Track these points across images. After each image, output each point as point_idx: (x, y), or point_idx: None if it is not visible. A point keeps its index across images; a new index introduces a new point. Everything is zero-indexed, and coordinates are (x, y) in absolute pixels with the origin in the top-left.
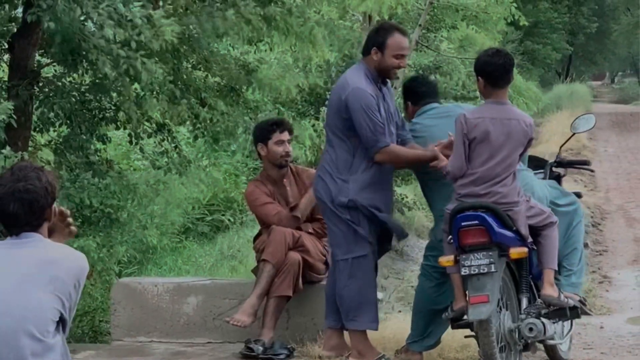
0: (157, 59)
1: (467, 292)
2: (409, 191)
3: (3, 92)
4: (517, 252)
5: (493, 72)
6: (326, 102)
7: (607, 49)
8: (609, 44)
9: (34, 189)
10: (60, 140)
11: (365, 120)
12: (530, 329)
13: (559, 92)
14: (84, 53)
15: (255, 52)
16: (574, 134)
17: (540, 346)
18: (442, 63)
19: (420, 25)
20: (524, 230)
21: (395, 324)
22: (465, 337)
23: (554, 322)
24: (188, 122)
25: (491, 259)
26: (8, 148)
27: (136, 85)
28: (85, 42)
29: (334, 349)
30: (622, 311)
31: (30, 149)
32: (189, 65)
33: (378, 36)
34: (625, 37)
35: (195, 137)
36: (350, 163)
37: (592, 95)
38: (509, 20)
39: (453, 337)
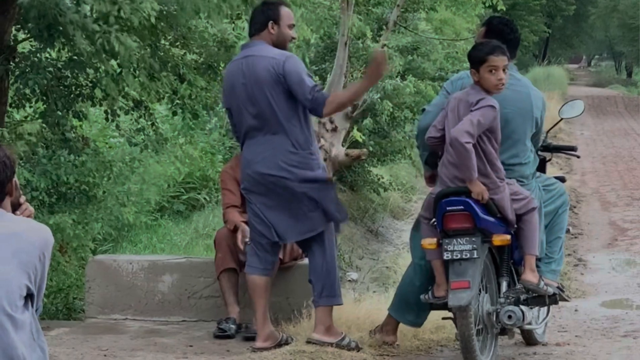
0: (135, 36)
1: (448, 277)
2: (384, 172)
3: None
4: (500, 239)
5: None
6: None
7: (584, 32)
8: (586, 27)
9: None
10: (36, 116)
11: (306, 80)
12: (510, 317)
13: (536, 74)
14: (60, 28)
15: (233, 29)
16: (561, 119)
17: (516, 329)
18: (420, 44)
19: (398, 5)
20: (511, 216)
21: (369, 304)
22: (443, 318)
23: (531, 308)
24: (166, 99)
25: (474, 245)
26: None
27: (113, 62)
28: (61, 17)
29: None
30: (596, 294)
31: (7, 124)
32: (167, 43)
33: (270, 10)
34: (603, 21)
35: (174, 113)
36: (306, 136)
37: (568, 78)
38: (487, 4)
39: (428, 319)
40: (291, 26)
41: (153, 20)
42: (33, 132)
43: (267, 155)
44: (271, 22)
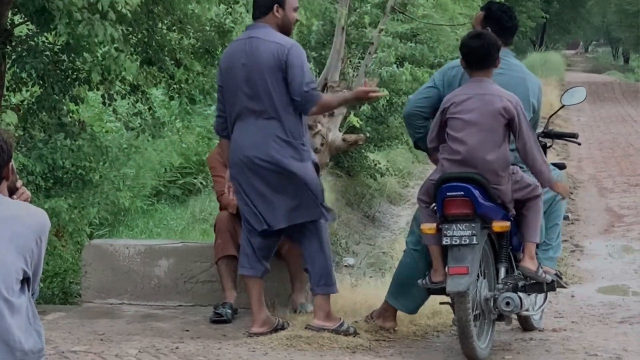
0: (131, 19)
1: (446, 262)
2: (381, 157)
3: None
4: (500, 225)
5: (470, 55)
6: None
7: (582, 17)
8: (583, 13)
9: None
10: (33, 100)
11: (306, 74)
12: (507, 303)
13: (533, 60)
14: (50, 14)
15: (230, 14)
16: (563, 105)
17: (513, 315)
18: (420, 31)
19: None
20: (510, 205)
21: (366, 289)
22: (441, 303)
23: (529, 295)
24: (163, 83)
25: (473, 231)
26: None
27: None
28: (49, 3)
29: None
30: (593, 280)
31: (4, 108)
32: (164, 27)
33: None
34: (600, 6)
35: (171, 98)
36: (299, 126)
37: (565, 64)
38: None
39: (425, 304)
40: (296, 9)
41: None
42: (12, 122)
43: (259, 140)
44: (276, 5)
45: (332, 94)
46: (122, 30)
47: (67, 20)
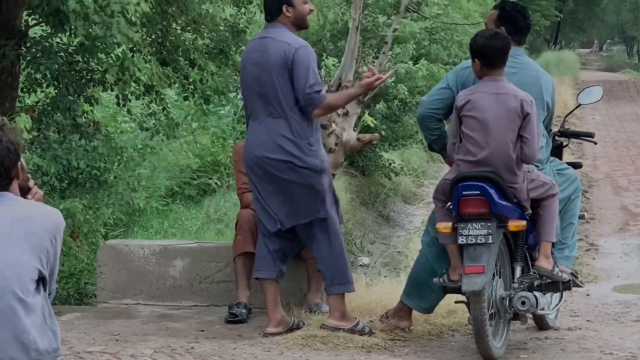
0: (145, 20)
1: (462, 261)
2: (396, 157)
3: None
4: (515, 224)
5: (492, 55)
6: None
7: (596, 16)
8: (597, 12)
9: None
10: (48, 101)
11: (310, 76)
12: (523, 302)
13: (547, 59)
14: (65, 15)
15: (244, 14)
16: (579, 104)
17: (529, 314)
18: (435, 30)
19: None
20: (526, 204)
21: (381, 289)
22: (456, 302)
23: (545, 294)
24: (177, 84)
25: (489, 230)
26: None
27: (123, 47)
28: (64, 5)
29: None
30: (608, 279)
31: (18, 109)
32: (178, 27)
33: None
34: (615, 5)
35: (185, 98)
36: (306, 126)
37: (580, 63)
38: None
39: (440, 304)
40: (306, 1)
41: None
42: (26, 126)
43: (266, 138)
44: (285, 5)
45: (337, 93)
46: (139, 30)
47: (83, 22)
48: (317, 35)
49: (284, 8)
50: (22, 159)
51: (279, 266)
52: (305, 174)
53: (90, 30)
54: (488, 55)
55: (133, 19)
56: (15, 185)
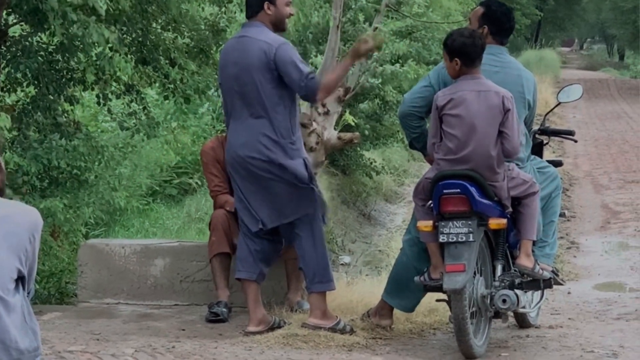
0: (125, 19)
1: (443, 260)
2: (377, 155)
3: None
4: (496, 222)
5: (473, 54)
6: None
7: (577, 15)
8: (578, 10)
9: None
10: (28, 100)
11: (298, 68)
12: (504, 301)
13: (528, 57)
14: (44, 14)
15: (225, 13)
16: (559, 103)
17: (510, 312)
18: (415, 29)
19: None
20: (507, 202)
21: (362, 287)
22: (437, 300)
23: (526, 292)
24: (157, 83)
25: (470, 228)
26: None
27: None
28: (42, 4)
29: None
30: (589, 277)
31: None
32: (158, 27)
33: None
34: (595, 4)
35: (166, 97)
36: (288, 126)
37: (561, 62)
38: None
39: (421, 302)
40: (288, 3)
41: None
42: (6, 126)
43: (248, 139)
44: (267, 2)
45: (331, 70)
46: (117, 30)
47: (62, 21)
48: (299, 37)
49: (266, 5)
50: (0, 160)
51: (260, 267)
52: (288, 173)
53: (68, 29)
54: (469, 54)
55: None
56: None
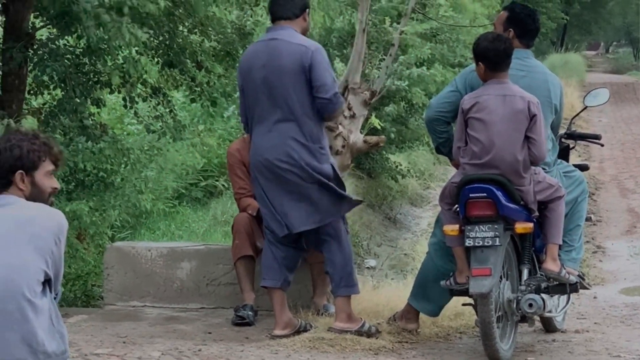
0: (152, 22)
1: (469, 264)
2: (403, 159)
3: None
4: (522, 227)
5: (495, 58)
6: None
7: (602, 18)
8: (604, 14)
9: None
10: (54, 103)
11: (331, 77)
12: (530, 305)
13: (554, 61)
14: (75, 16)
15: (251, 16)
16: (586, 107)
17: (536, 316)
18: (439, 31)
19: None
20: (533, 206)
21: (388, 291)
22: (463, 304)
23: (552, 296)
24: (184, 86)
25: (496, 232)
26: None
27: (130, 49)
28: (75, 5)
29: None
30: (615, 281)
31: (25, 111)
32: (185, 30)
33: None
34: (621, 7)
35: (192, 100)
36: (317, 130)
37: (586, 65)
38: None
39: (447, 306)
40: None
41: (170, 5)
42: (33, 128)
43: (277, 142)
44: (308, 9)
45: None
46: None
47: (94, 22)
48: (323, 41)
49: (305, 13)
50: (39, 177)
51: (285, 274)
52: (317, 178)
53: (97, 31)
54: (491, 58)
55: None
56: (14, 190)
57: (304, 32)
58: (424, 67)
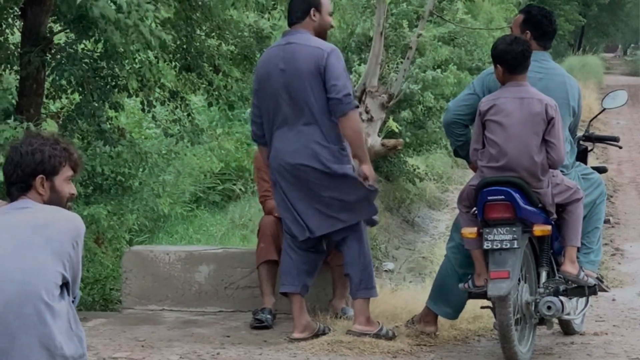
0: (169, 26)
1: (488, 267)
2: (420, 162)
3: (15, 59)
4: (541, 229)
5: (513, 61)
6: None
7: (620, 20)
8: (622, 16)
9: (21, 150)
10: (72, 107)
11: (346, 78)
12: (549, 307)
13: (571, 63)
14: (93, 21)
15: (269, 19)
16: (604, 109)
17: (555, 319)
18: (457, 35)
19: None
20: (551, 209)
21: (406, 294)
22: (482, 307)
23: (570, 299)
24: (202, 90)
25: (514, 235)
26: (12, 118)
27: (148, 53)
28: (90, 10)
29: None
30: (634, 284)
31: (43, 116)
32: (203, 33)
33: None
34: (639, 9)
35: (210, 104)
36: (338, 131)
37: (604, 67)
38: None
39: (465, 308)
40: (331, 13)
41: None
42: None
43: (298, 146)
44: (313, 9)
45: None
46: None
47: (112, 26)
48: (343, 45)
49: (312, 11)
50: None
51: (303, 279)
52: (339, 180)
53: (113, 36)
54: (509, 61)
55: (153, 25)
56: (34, 194)
57: (318, 32)
58: (439, 70)
